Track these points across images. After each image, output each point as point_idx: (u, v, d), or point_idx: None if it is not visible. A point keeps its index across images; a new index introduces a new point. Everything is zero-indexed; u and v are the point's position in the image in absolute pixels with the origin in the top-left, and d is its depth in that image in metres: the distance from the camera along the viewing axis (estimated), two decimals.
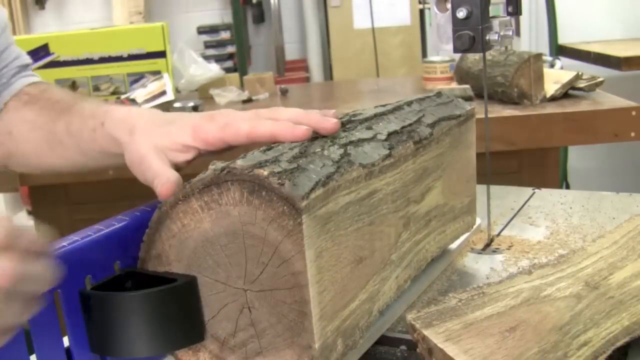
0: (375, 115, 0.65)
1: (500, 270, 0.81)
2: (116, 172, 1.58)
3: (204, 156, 0.64)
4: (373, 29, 3.24)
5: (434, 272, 0.78)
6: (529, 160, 1.89)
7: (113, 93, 2.25)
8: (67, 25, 3.56)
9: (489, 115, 1.55)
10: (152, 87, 2.13)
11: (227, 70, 3.05)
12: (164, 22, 2.28)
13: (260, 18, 3.72)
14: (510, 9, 0.81)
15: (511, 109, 1.76)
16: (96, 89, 2.31)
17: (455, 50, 0.79)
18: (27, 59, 0.90)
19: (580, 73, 1.88)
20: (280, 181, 0.48)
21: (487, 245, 0.89)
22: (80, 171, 0.80)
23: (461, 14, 0.76)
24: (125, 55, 2.25)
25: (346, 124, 0.62)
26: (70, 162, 0.79)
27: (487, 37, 0.78)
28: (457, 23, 0.77)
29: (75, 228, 0.54)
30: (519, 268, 0.81)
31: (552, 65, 2.12)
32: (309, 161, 0.52)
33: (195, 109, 2.06)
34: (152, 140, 0.64)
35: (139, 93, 2.13)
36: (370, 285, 0.58)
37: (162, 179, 0.57)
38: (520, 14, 0.82)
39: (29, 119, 0.81)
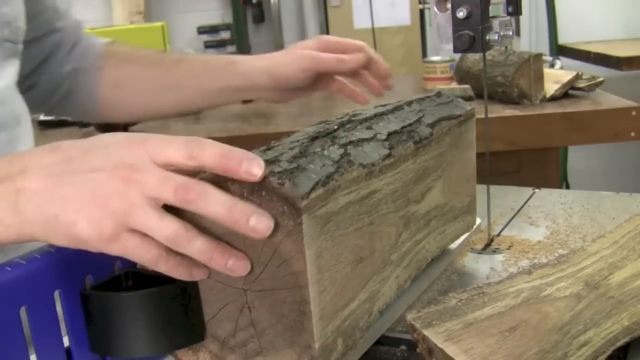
0: (375, 115, 0.65)
1: (500, 270, 0.81)
2: None
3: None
4: (373, 29, 3.25)
5: (434, 272, 0.78)
6: (529, 160, 1.89)
7: None
8: None
9: (489, 115, 1.55)
10: None
11: None
12: (164, 22, 2.28)
13: (260, 18, 3.72)
14: (510, 9, 0.81)
15: (511, 109, 1.76)
16: None
17: (455, 50, 0.79)
18: (78, 17, 1.01)
19: (580, 73, 1.88)
20: (280, 181, 0.48)
21: (487, 245, 0.89)
22: (186, 112, 1.03)
23: (461, 14, 0.76)
24: None
25: (346, 123, 0.62)
26: (182, 104, 0.95)
27: (487, 37, 0.78)
28: (457, 23, 0.77)
29: None
30: (519, 268, 0.81)
31: (552, 65, 2.12)
32: (309, 161, 0.52)
33: None
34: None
35: None
36: (370, 285, 0.58)
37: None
38: (520, 14, 0.82)
39: (136, 73, 0.95)
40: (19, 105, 0.81)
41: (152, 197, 0.47)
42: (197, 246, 0.48)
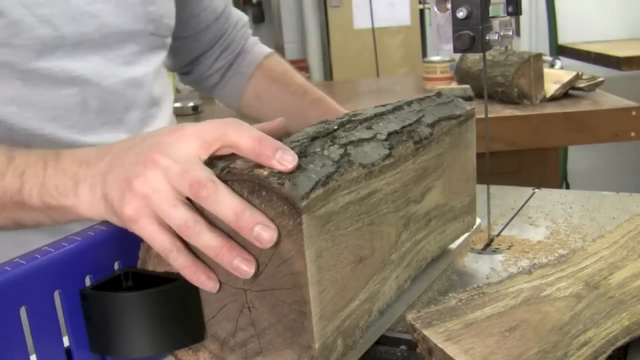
0: (375, 115, 0.65)
1: (500, 270, 0.81)
2: None
3: None
4: (373, 29, 3.25)
5: (434, 272, 0.78)
6: (529, 160, 1.89)
7: None
8: None
9: (489, 115, 1.55)
10: None
11: None
12: None
13: (260, 18, 3.72)
14: (510, 9, 0.81)
15: (511, 109, 1.76)
16: None
17: (455, 50, 0.78)
18: (244, 15, 1.13)
19: (580, 73, 1.88)
20: (280, 181, 0.48)
21: (487, 245, 0.89)
22: None
23: (461, 14, 0.76)
24: None
25: (346, 123, 0.62)
26: None
27: (487, 37, 0.78)
28: (457, 23, 0.77)
29: None
30: (519, 268, 0.81)
31: (552, 65, 2.13)
32: (309, 161, 0.52)
33: (195, 109, 2.06)
34: None
35: None
36: (370, 285, 0.58)
37: None
38: (520, 14, 0.82)
39: (278, 95, 1.08)
40: (158, 89, 0.91)
41: (173, 186, 0.50)
42: (205, 240, 0.49)
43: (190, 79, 1.14)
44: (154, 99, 0.90)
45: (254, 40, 1.14)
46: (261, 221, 0.48)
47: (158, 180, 0.50)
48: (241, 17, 1.12)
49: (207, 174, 0.50)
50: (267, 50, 1.13)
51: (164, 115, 0.93)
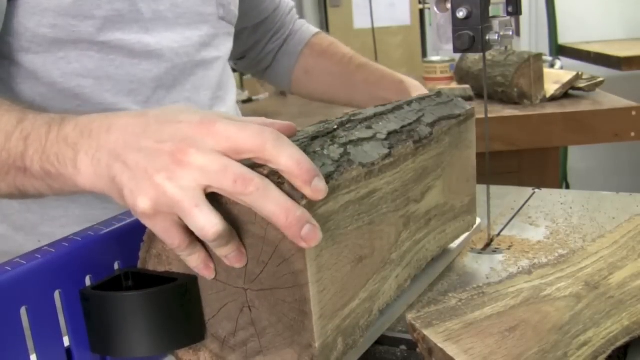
0: (375, 115, 0.66)
1: (500, 270, 0.81)
2: None
3: None
4: (373, 29, 3.25)
5: (434, 272, 0.78)
6: (529, 160, 1.89)
7: None
8: None
9: (489, 115, 1.55)
10: None
11: None
12: None
13: None
14: (510, 9, 0.81)
15: (511, 109, 1.76)
16: None
17: (455, 50, 0.79)
18: (291, 1, 1.18)
19: (580, 73, 1.88)
20: (280, 180, 0.48)
21: (487, 245, 0.89)
22: (353, 106, 1.04)
23: (461, 14, 0.76)
24: None
25: (346, 123, 0.62)
26: (353, 101, 1.09)
27: (487, 37, 0.78)
28: (457, 23, 0.77)
29: None
30: (519, 268, 0.81)
31: (552, 65, 2.13)
32: None
33: None
34: None
35: None
36: (370, 284, 0.58)
37: None
38: (520, 14, 0.82)
39: (325, 67, 1.12)
40: (226, 74, 0.95)
41: (206, 185, 0.46)
42: (226, 249, 0.49)
43: (243, 64, 1.19)
44: (221, 83, 0.94)
45: (302, 21, 1.18)
46: (310, 220, 0.46)
47: (186, 179, 0.46)
48: (289, 2, 1.17)
49: (249, 169, 0.46)
50: (314, 29, 1.18)
51: (229, 101, 0.96)
